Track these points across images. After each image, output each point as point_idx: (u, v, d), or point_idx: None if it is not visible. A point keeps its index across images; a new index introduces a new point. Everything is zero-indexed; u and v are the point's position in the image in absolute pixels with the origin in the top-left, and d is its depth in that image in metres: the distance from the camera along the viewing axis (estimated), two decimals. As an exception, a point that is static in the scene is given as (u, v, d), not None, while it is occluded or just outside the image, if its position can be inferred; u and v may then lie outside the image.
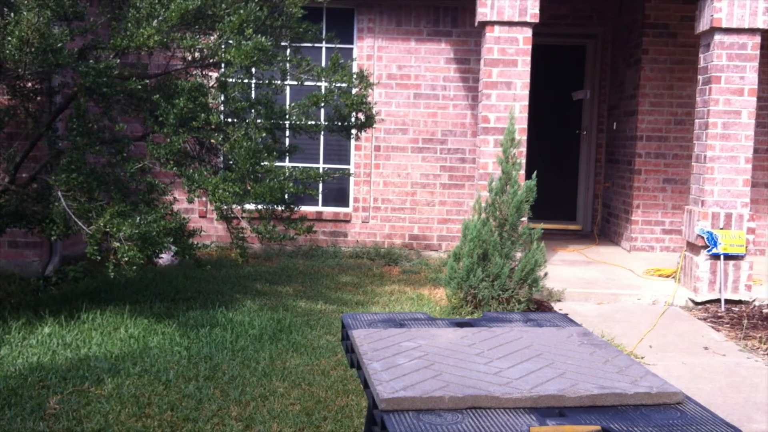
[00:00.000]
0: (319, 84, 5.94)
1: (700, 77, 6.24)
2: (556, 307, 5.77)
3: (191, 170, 4.72)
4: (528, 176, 5.63)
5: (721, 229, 5.98)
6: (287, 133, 5.74)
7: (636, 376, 1.64)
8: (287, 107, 5.39)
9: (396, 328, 2.00)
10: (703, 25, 6.08)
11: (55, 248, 6.25)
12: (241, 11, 4.64)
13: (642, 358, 4.58)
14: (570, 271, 6.79)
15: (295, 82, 5.50)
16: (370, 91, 5.78)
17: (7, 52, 4.19)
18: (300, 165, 7.13)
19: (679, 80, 7.89)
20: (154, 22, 4.52)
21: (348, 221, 8.02)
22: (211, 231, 7.89)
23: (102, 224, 4.31)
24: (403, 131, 7.96)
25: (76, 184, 4.42)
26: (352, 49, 7.92)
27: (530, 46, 6.08)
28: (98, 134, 4.73)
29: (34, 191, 4.97)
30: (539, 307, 5.63)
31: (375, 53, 7.88)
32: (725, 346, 4.93)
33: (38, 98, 5.36)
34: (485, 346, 1.84)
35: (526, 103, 6.10)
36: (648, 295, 6.07)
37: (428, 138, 7.97)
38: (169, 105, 4.62)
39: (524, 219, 5.49)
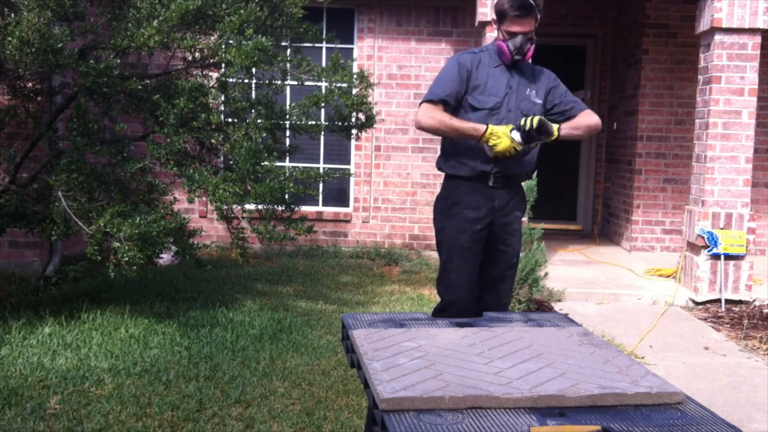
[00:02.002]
0: (319, 84, 5.94)
1: (700, 77, 6.24)
2: (557, 307, 5.77)
3: (191, 170, 4.72)
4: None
5: (722, 229, 5.98)
6: (287, 133, 5.74)
7: (636, 376, 1.64)
8: (287, 107, 5.39)
9: (396, 328, 2.00)
10: (703, 25, 6.08)
11: (56, 248, 6.25)
12: (242, 11, 4.64)
13: (642, 358, 4.58)
14: (570, 271, 6.79)
15: (295, 83, 5.50)
16: (370, 91, 5.77)
17: (8, 52, 4.19)
18: (300, 165, 7.13)
19: (680, 80, 7.89)
20: (155, 22, 4.52)
21: (348, 221, 8.02)
22: (211, 231, 7.89)
23: (102, 224, 4.31)
24: (404, 131, 7.96)
25: (76, 184, 4.42)
26: (352, 49, 7.92)
27: (530, 46, 6.07)
28: (98, 134, 4.73)
29: (34, 191, 4.97)
30: (539, 307, 5.63)
31: (375, 53, 7.89)
32: (725, 346, 4.93)
33: (39, 98, 5.36)
34: (485, 346, 1.84)
35: (527, 103, 6.09)
36: (648, 295, 6.07)
37: (429, 138, 7.97)
38: (169, 105, 4.62)
39: (525, 219, 5.49)
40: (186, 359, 4.18)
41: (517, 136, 3.22)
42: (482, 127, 3.25)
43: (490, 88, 3.37)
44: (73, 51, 4.50)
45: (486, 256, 3.45)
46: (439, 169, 3.58)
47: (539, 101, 3.45)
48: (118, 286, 5.74)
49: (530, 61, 3.49)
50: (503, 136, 3.22)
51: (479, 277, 3.44)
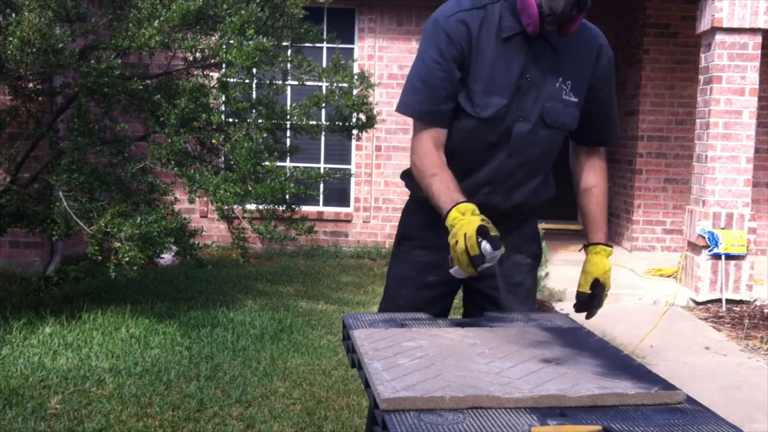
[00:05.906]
0: (320, 84, 5.94)
1: (701, 77, 6.24)
2: (558, 307, 5.77)
3: (192, 170, 4.72)
4: (529, 176, 5.62)
5: (723, 229, 5.98)
6: (288, 133, 5.74)
7: (637, 376, 1.64)
8: (288, 107, 5.39)
9: (397, 328, 2.00)
10: (704, 25, 6.08)
11: (57, 248, 6.26)
12: (243, 12, 4.64)
13: (643, 358, 4.58)
14: (571, 271, 6.76)
15: (296, 83, 5.50)
16: (371, 91, 5.77)
17: (9, 52, 4.19)
18: (301, 165, 7.13)
19: (680, 80, 7.88)
20: (156, 23, 4.52)
21: (349, 221, 8.02)
22: (212, 231, 7.89)
23: (103, 224, 4.31)
24: (404, 131, 7.96)
25: (77, 184, 4.42)
26: (353, 49, 7.92)
27: (531, 46, 6.07)
28: (99, 134, 4.73)
29: (35, 191, 4.97)
30: (540, 307, 5.63)
31: (376, 53, 7.88)
32: (726, 346, 4.93)
33: (40, 98, 5.37)
34: (486, 346, 1.84)
35: (527, 103, 6.09)
36: (649, 295, 6.07)
37: (429, 138, 7.97)
38: (170, 105, 4.62)
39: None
40: (187, 359, 4.18)
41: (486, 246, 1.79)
42: (450, 203, 1.90)
43: (494, 80, 2.02)
44: (74, 51, 4.50)
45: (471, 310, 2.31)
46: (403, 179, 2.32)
47: (574, 99, 2.09)
48: (118, 286, 5.74)
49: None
50: (466, 225, 1.80)
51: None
